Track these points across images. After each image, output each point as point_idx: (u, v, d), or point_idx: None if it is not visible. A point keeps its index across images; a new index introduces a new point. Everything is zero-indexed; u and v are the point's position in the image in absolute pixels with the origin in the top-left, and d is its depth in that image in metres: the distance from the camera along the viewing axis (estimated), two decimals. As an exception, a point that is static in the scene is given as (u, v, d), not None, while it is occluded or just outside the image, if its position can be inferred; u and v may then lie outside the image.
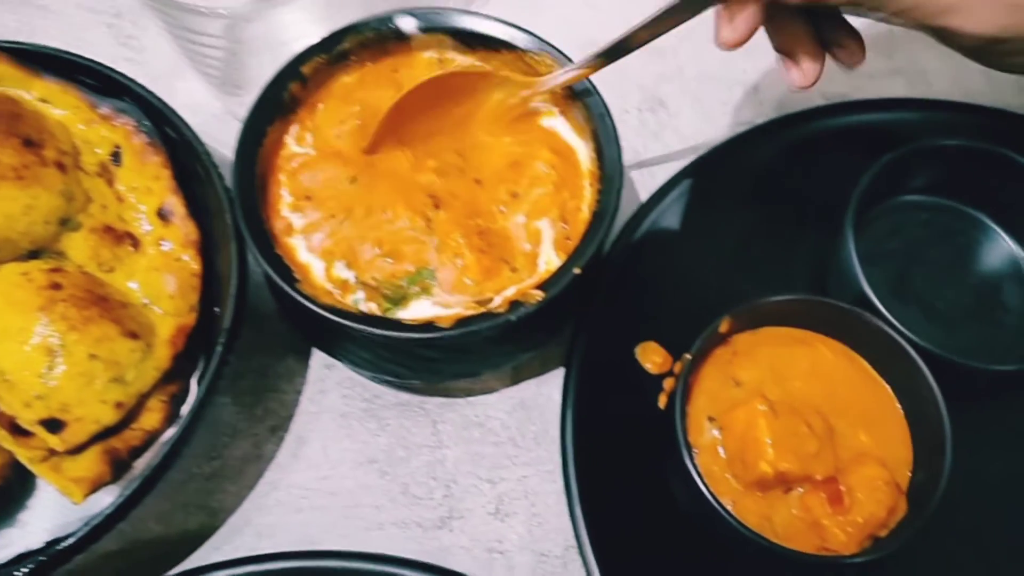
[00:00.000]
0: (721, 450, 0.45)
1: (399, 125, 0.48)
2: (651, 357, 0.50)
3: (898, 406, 0.47)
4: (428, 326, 0.42)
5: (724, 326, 0.46)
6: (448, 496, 0.49)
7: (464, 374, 0.47)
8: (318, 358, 0.52)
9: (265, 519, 0.48)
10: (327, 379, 0.51)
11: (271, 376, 0.51)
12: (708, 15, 0.43)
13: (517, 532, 0.48)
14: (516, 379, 0.51)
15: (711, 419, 0.46)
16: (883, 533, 0.44)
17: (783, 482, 0.44)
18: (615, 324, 0.50)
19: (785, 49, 0.45)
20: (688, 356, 0.45)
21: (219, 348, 0.43)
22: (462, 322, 0.42)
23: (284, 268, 0.43)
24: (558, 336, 0.49)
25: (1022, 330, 0.52)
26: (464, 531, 0.48)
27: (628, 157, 0.58)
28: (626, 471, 0.48)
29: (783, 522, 0.44)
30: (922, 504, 0.43)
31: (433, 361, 0.45)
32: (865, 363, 0.48)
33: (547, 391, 0.51)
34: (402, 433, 0.50)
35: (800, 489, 0.44)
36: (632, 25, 0.44)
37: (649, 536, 0.47)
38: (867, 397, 0.47)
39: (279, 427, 0.50)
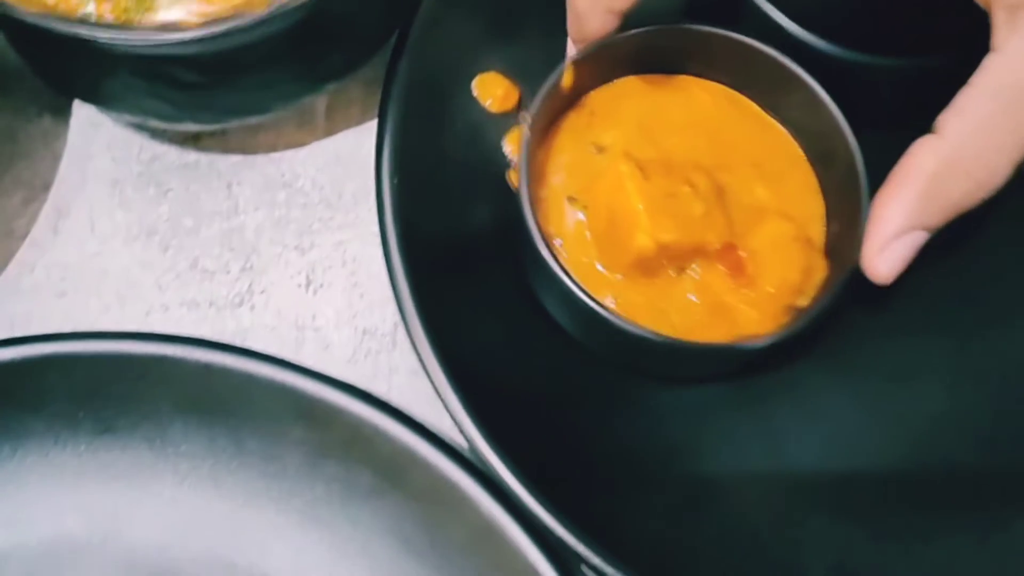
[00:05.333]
0: (589, 235, 0.36)
1: None
2: (491, 91, 0.40)
3: (798, 149, 0.38)
4: (168, 26, 0.32)
5: (567, 79, 0.36)
6: (247, 269, 0.40)
7: (248, 109, 0.37)
8: (81, 117, 0.42)
9: (19, 306, 0.39)
10: (93, 141, 0.41)
11: (21, 140, 0.41)
12: None
13: (334, 306, 0.40)
14: (330, 130, 0.42)
15: (571, 199, 0.37)
16: (803, 302, 0.35)
17: (672, 260, 0.35)
18: (445, 50, 0.40)
19: None
20: (527, 117, 0.36)
21: None
22: (215, 22, 0.32)
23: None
24: (369, 62, 0.39)
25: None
26: (268, 308, 0.39)
27: None
28: (465, 230, 0.39)
29: (681, 312, 0.35)
30: (843, 258, 0.35)
31: (198, 88, 0.35)
32: (752, 104, 0.39)
33: (369, 142, 0.41)
34: (189, 199, 0.41)
35: (695, 267, 0.36)
36: None
37: (494, 313, 0.39)
38: (759, 143, 0.38)
39: (33, 199, 0.40)
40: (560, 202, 0.37)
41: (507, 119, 0.40)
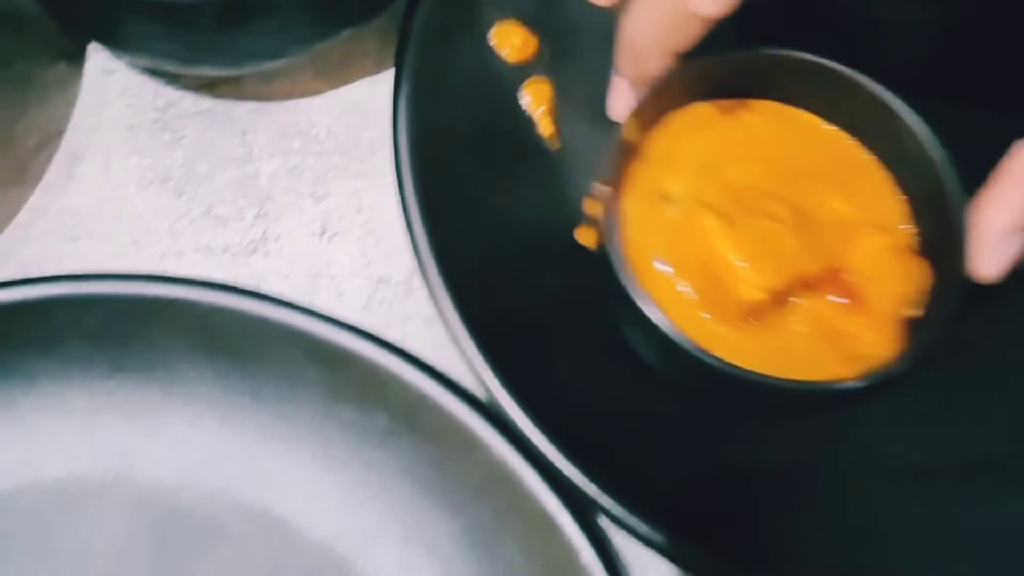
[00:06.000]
0: (683, 289, 0.34)
1: None
2: (509, 40, 0.40)
3: (864, 152, 0.37)
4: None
5: (631, 131, 0.35)
6: (262, 216, 0.40)
7: (263, 54, 0.37)
8: (96, 63, 0.41)
9: (31, 249, 0.38)
10: (109, 86, 0.41)
11: (36, 86, 0.41)
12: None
13: (348, 254, 0.39)
14: (346, 79, 0.42)
15: (654, 257, 0.35)
16: (913, 311, 0.34)
17: (778, 301, 0.34)
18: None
19: None
20: (604, 185, 0.34)
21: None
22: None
23: None
24: (385, 11, 0.39)
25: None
26: (282, 255, 0.39)
27: None
28: (483, 177, 0.38)
29: (798, 348, 0.34)
30: (946, 256, 0.34)
31: (213, 32, 0.35)
32: (806, 115, 0.37)
33: (386, 91, 0.40)
34: (203, 146, 0.40)
35: (799, 299, 0.34)
36: None
37: (512, 259, 0.38)
38: (823, 155, 0.37)
39: (46, 144, 0.40)
40: (643, 260, 0.35)
41: (525, 69, 0.40)
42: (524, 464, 0.33)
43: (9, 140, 0.40)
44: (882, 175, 0.37)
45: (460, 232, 0.37)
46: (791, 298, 0.34)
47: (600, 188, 0.35)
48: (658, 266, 0.35)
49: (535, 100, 0.40)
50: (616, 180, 0.35)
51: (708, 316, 0.34)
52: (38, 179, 0.40)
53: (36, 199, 0.39)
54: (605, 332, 0.38)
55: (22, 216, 0.39)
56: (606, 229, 0.34)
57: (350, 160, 0.41)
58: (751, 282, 0.33)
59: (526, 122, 0.40)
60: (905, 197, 0.36)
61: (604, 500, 0.32)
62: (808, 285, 0.34)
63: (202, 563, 0.34)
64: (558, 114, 0.40)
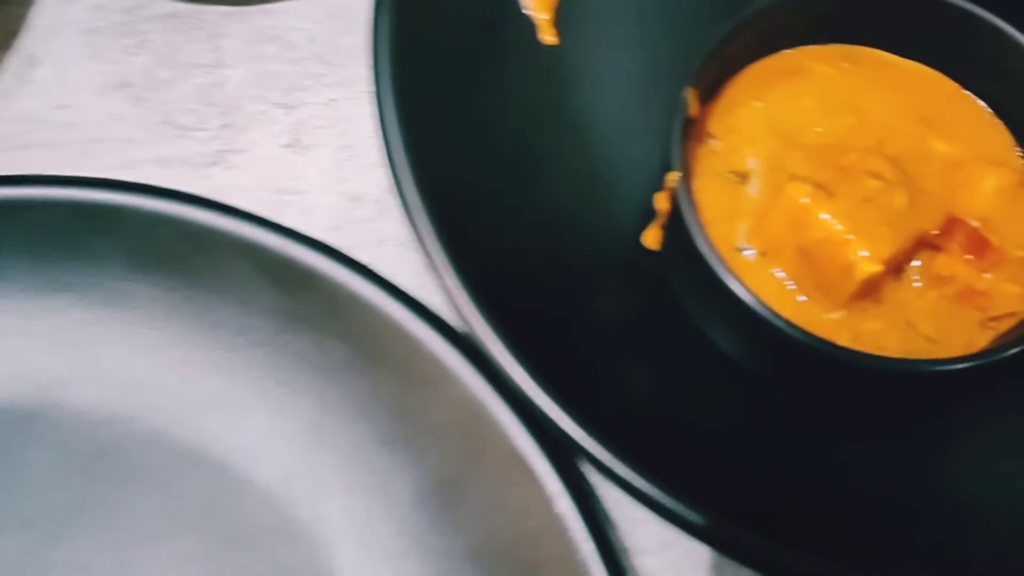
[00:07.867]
0: (778, 273, 0.30)
1: None
2: (509, -66, 0.36)
3: (951, 82, 0.32)
4: None
5: (694, 105, 0.30)
6: (227, 126, 0.35)
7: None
8: (62, -38, 0.38)
9: (-26, 159, 0.35)
10: (72, -13, 0.38)
11: (-7, -16, 0.38)
12: None
13: (320, 168, 0.35)
14: (330, -14, 0.38)
15: (740, 248, 0.30)
16: None
17: (895, 269, 0.30)
18: None
19: None
20: (676, 174, 0.30)
21: None
22: None
23: None
24: None
25: None
26: (247, 169, 0.35)
27: None
28: (470, 85, 0.34)
29: (931, 316, 0.30)
30: None
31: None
32: (878, 53, 0.33)
33: (371, -4, 0.37)
34: (169, 51, 0.36)
35: (918, 262, 0.30)
36: None
37: (497, 177, 0.33)
38: (909, 93, 0.32)
39: (1, 45, 0.37)
40: (726, 251, 0.30)
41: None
42: (499, 401, 0.28)
43: (-39, 42, 0.37)
44: (978, 105, 0.32)
45: (443, 146, 0.32)
46: (911, 263, 0.30)
47: (678, 178, 0.30)
48: (745, 254, 0.30)
49: (536, 2, 0.35)
50: (684, 164, 0.30)
51: (808, 300, 0.30)
52: (-11, 83, 0.36)
53: (-15, 104, 0.36)
54: (605, 264, 0.33)
55: (-31, 122, 0.36)
56: (691, 222, 0.29)
57: (328, 67, 0.36)
58: (865, 255, 0.28)
59: (525, 27, 0.35)
60: (1005, 120, 0.32)
61: (587, 442, 0.26)
62: (926, 243, 0.30)
63: (133, 507, 0.30)
64: (562, 19, 0.35)
